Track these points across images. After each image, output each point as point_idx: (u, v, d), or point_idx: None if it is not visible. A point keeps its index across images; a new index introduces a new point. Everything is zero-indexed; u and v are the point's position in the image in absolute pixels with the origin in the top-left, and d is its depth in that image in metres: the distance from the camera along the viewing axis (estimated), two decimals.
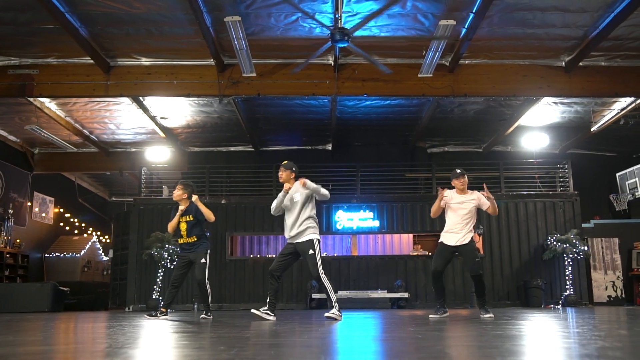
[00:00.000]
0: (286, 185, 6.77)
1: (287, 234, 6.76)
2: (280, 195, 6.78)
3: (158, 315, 7.35)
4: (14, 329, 5.41)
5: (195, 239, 7.23)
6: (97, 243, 18.62)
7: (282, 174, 6.86)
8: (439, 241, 7.07)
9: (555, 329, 4.48)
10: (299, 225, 6.63)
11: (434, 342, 3.43)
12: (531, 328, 4.58)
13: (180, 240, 7.34)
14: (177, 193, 7.29)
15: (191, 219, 7.24)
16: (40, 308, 12.11)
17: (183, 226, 7.23)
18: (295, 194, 6.74)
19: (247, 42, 9.46)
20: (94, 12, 9.08)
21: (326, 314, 6.55)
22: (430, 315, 7.05)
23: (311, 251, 6.57)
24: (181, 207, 7.20)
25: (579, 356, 2.55)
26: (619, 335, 3.85)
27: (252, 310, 6.71)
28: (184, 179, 7.94)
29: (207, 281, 7.15)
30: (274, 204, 6.84)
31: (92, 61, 10.60)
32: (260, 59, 10.61)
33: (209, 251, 7.32)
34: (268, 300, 6.65)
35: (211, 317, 7.21)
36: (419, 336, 3.81)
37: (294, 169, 6.86)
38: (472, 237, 6.94)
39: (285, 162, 6.93)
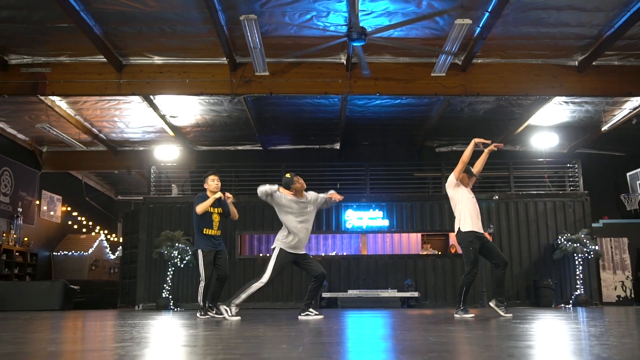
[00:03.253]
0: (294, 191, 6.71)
1: (295, 246, 6.66)
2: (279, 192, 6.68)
3: (208, 313, 7.16)
4: (40, 327, 5.40)
5: (220, 233, 7.36)
6: (105, 241, 18.62)
7: (300, 182, 6.77)
8: (472, 232, 6.68)
9: (574, 329, 4.47)
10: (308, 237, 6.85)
11: (453, 341, 3.42)
12: (550, 328, 4.57)
13: (211, 232, 7.26)
14: (220, 184, 7.37)
15: (222, 211, 7.37)
16: (51, 306, 12.09)
17: (216, 218, 7.28)
18: (310, 205, 6.73)
19: (262, 41, 9.45)
20: (108, 11, 9.06)
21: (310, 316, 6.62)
22: (465, 315, 6.63)
23: (310, 253, 7.03)
24: (215, 196, 7.23)
25: (601, 357, 2.54)
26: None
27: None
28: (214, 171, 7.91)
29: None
30: (267, 188, 6.62)
31: (104, 59, 10.59)
32: (272, 58, 10.59)
33: None
34: (239, 302, 6.65)
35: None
36: (432, 338, 3.80)
37: None
38: None
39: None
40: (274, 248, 6.70)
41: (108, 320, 6.77)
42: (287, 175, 6.77)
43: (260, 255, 14.96)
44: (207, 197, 7.30)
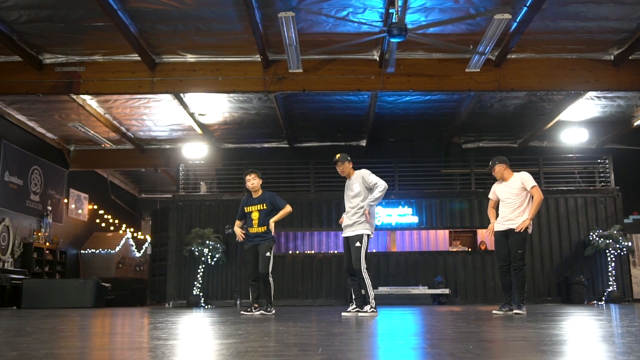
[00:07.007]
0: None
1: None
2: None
3: (253, 310, 7.00)
4: (97, 324, 5.42)
5: (265, 229, 6.97)
6: (130, 239, 18.71)
7: (342, 168, 6.71)
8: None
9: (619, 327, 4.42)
10: (351, 216, 6.61)
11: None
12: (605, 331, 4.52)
13: (250, 230, 7.00)
14: (256, 182, 7.02)
15: (265, 207, 6.96)
16: (84, 304, 12.16)
17: (255, 215, 6.94)
18: (355, 184, 6.65)
19: (298, 38, 9.43)
20: (145, 9, 9.10)
21: (361, 313, 6.44)
22: (494, 312, 6.81)
23: (358, 244, 6.51)
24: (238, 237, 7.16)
25: None
26: None
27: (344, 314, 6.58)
28: (252, 168, 7.49)
29: (270, 275, 6.87)
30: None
31: (137, 58, 10.62)
32: (306, 55, 10.56)
33: (274, 244, 7.13)
34: (355, 297, 6.61)
35: (273, 312, 6.93)
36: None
37: (349, 158, 6.76)
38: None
39: (339, 155, 6.73)
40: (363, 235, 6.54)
41: (157, 317, 6.77)
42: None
43: (290, 252, 14.96)
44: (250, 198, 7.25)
